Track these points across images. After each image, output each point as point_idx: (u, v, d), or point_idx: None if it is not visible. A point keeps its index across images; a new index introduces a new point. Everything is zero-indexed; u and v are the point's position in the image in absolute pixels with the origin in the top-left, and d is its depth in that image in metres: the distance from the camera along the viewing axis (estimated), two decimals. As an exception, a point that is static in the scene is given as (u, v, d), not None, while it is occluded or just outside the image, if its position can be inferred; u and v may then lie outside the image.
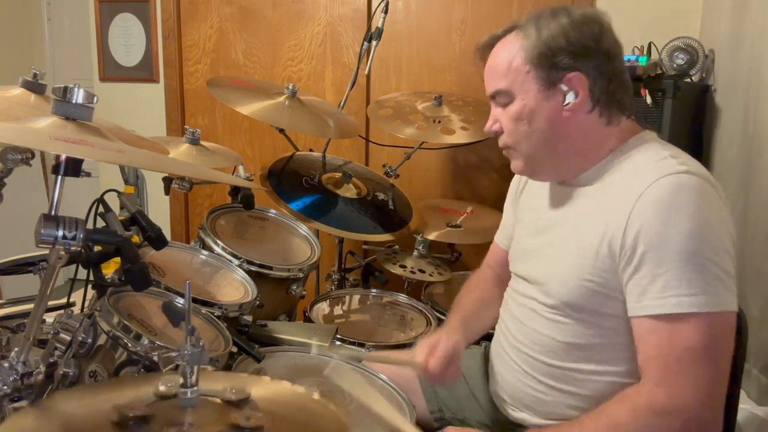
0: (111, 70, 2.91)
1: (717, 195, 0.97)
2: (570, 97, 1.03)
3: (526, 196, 1.26)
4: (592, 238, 1.01)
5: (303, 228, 1.85)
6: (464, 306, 1.33)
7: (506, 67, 1.06)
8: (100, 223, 0.95)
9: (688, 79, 1.98)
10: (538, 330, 1.10)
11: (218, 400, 0.70)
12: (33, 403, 0.81)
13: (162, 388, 0.69)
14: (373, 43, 2.02)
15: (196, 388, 0.68)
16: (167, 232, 2.84)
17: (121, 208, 1.05)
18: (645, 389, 0.94)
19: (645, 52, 1.98)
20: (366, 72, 2.17)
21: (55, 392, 0.88)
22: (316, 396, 0.77)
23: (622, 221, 0.96)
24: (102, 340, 1.01)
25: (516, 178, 1.33)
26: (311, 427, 0.72)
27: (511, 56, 1.06)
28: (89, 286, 1.10)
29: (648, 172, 0.97)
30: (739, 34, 1.77)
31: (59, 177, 0.83)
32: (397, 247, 2.06)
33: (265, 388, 0.78)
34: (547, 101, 1.04)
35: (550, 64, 1.02)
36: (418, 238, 1.97)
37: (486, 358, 1.31)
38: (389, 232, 1.87)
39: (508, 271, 1.27)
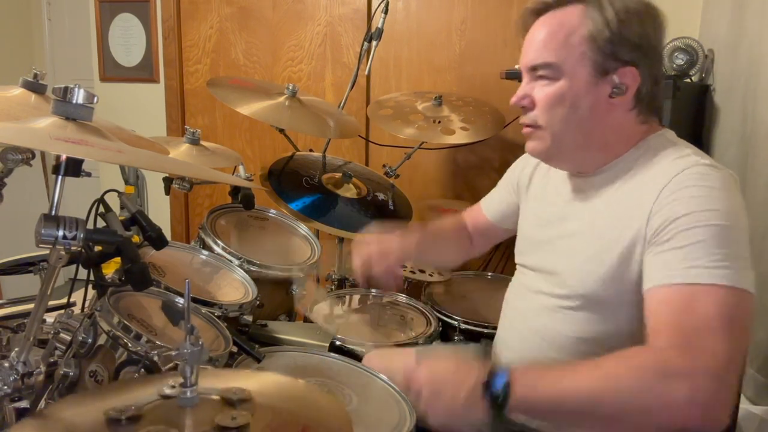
0: (111, 70, 2.91)
1: (738, 189, 0.97)
2: (619, 91, 1.00)
3: (535, 188, 1.24)
4: (613, 231, 1.00)
5: (303, 228, 1.85)
6: (430, 231, 1.33)
7: (562, 41, 1.00)
8: (101, 223, 0.95)
9: (688, 80, 1.98)
10: (545, 324, 1.08)
11: (218, 398, 0.70)
12: (32, 412, 0.81)
13: (166, 389, 0.69)
14: (373, 43, 2.02)
15: (195, 387, 0.68)
16: (167, 232, 2.83)
17: (122, 208, 1.05)
18: (652, 350, 0.87)
19: (645, 52, 1.98)
20: (366, 72, 2.16)
21: (54, 395, 0.88)
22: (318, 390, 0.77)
23: (646, 211, 0.95)
24: (102, 340, 1.01)
25: (521, 162, 1.30)
26: (314, 420, 0.72)
27: (569, 30, 0.99)
28: (89, 286, 1.10)
29: (673, 166, 0.97)
30: (739, 34, 1.77)
31: (59, 177, 0.83)
32: (397, 247, 2.06)
33: (266, 383, 0.79)
34: (595, 88, 1.00)
35: (613, 52, 0.98)
36: (418, 238, 1.97)
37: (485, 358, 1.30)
38: (389, 232, 1.86)
39: (479, 236, 1.31)
